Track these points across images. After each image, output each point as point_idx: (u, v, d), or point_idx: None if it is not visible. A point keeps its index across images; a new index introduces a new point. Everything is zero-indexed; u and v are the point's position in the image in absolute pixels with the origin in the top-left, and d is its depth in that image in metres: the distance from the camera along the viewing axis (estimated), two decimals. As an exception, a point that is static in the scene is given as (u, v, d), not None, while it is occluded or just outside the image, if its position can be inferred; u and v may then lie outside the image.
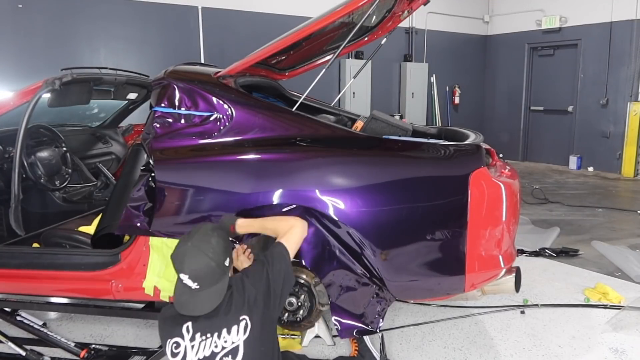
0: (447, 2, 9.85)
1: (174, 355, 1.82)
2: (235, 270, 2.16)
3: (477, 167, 2.35)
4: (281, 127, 2.51)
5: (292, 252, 2.03)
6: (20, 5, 6.25)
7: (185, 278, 1.81)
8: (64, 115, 3.89)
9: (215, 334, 1.81)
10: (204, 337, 1.81)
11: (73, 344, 2.72)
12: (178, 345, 1.82)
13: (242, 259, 2.26)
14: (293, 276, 2.04)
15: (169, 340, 1.84)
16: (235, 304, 1.84)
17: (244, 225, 2.18)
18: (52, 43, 6.48)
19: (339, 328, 2.33)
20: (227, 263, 1.87)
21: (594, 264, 4.23)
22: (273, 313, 1.94)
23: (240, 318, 1.83)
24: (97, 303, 2.94)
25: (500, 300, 3.41)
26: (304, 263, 2.32)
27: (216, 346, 1.80)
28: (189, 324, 1.83)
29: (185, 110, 2.55)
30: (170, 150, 2.48)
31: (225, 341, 1.80)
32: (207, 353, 1.80)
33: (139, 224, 2.45)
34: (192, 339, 1.81)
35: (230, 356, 1.79)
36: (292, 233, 2.07)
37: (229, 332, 1.81)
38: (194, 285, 1.80)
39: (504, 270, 2.51)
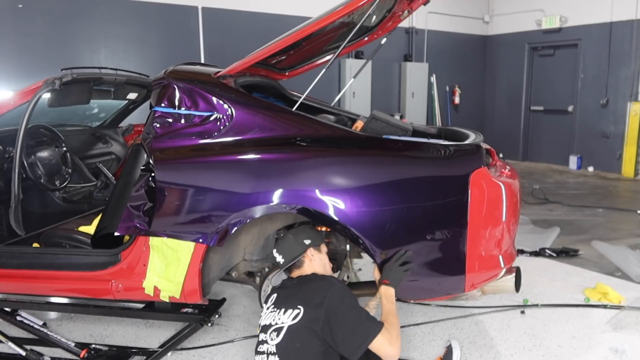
0: (447, 2, 9.85)
1: (260, 317, 2.17)
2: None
3: (477, 167, 2.35)
4: (281, 127, 2.51)
5: (373, 345, 1.90)
6: (21, 6, 6.25)
7: (275, 253, 2.22)
8: (64, 115, 3.89)
9: (280, 310, 2.04)
10: (274, 310, 2.07)
11: (73, 344, 2.72)
12: (263, 309, 2.19)
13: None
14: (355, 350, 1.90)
15: (264, 304, 2.21)
16: (304, 292, 2.03)
17: (385, 293, 2.23)
18: (52, 43, 6.48)
19: None
20: (306, 242, 2.20)
21: (594, 264, 4.23)
22: (320, 334, 1.92)
23: (298, 306, 1.98)
24: (97, 303, 2.95)
25: (500, 300, 3.41)
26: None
27: (273, 319, 2.03)
28: (275, 295, 2.16)
29: (185, 110, 2.55)
30: (170, 150, 2.48)
31: (280, 319, 2.00)
32: (268, 322, 2.05)
33: (139, 224, 2.45)
34: (268, 308, 2.12)
35: (275, 333, 1.98)
36: (387, 342, 1.91)
37: (285, 312, 2.00)
38: (279, 258, 2.19)
39: (504, 270, 2.51)
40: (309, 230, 2.30)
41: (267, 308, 2.13)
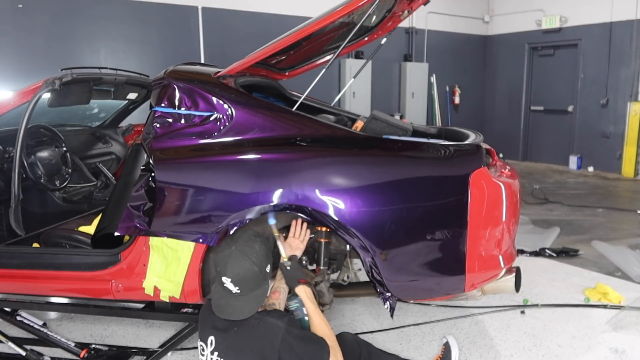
0: (447, 2, 9.85)
1: (200, 354, 1.96)
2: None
3: (477, 167, 2.35)
4: (281, 127, 2.50)
5: None
6: (21, 5, 6.25)
7: (227, 281, 1.86)
8: (64, 115, 3.89)
9: None
10: (219, 359, 1.89)
11: (73, 344, 2.72)
12: (203, 349, 1.95)
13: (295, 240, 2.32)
14: None
15: (199, 340, 1.98)
16: (250, 350, 1.82)
17: (304, 294, 2.09)
18: (52, 43, 6.48)
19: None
20: (268, 269, 1.94)
21: (594, 264, 4.23)
22: None
23: None
24: (97, 303, 2.95)
25: (500, 300, 3.41)
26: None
27: None
28: (213, 338, 1.91)
29: (185, 110, 2.55)
30: (170, 150, 2.48)
31: None
32: None
33: (139, 224, 2.45)
34: (212, 352, 1.90)
35: None
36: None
37: None
38: (235, 290, 1.86)
39: (504, 270, 2.51)
40: (264, 248, 1.96)
41: (211, 352, 1.91)
